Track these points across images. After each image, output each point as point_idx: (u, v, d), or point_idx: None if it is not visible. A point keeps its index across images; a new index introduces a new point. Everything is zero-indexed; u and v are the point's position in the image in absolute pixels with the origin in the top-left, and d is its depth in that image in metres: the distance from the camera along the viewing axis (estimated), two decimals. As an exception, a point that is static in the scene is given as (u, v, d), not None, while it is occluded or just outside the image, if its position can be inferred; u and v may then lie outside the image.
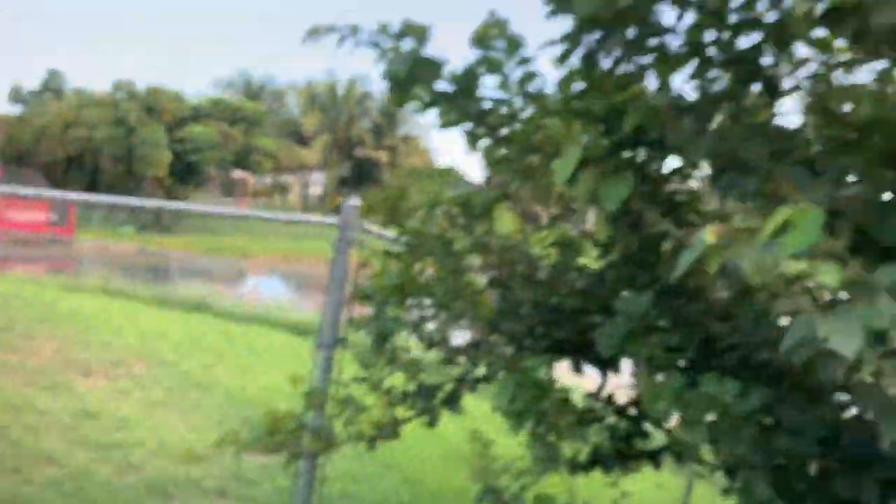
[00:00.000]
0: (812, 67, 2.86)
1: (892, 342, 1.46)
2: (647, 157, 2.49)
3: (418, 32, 2.50)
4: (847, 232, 2.07)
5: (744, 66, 2.61)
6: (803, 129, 2.57)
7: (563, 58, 2.76)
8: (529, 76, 2.85)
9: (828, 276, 1.36)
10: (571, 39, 2.52)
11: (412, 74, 2.55)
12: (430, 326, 4.06)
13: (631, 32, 2.49)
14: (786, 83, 2.75)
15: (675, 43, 2.66)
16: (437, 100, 2.74)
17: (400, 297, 3.92)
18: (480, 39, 2.73)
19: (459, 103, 2.68)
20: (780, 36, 2.50)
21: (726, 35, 2.59)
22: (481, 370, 3.91)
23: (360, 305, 4.29)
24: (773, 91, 2.67)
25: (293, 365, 5.96)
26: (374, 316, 3.98)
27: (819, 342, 1.39)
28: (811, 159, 2.28)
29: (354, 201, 4.23)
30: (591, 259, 3.71)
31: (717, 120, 2.49)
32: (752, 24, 2.58)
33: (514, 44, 2.74)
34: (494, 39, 2.72)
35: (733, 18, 2.56)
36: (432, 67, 2.56)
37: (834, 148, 2.65)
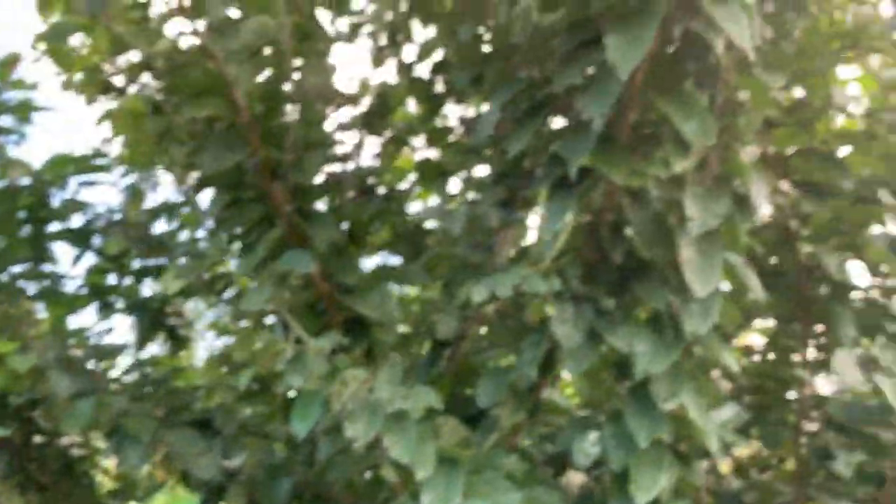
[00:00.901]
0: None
1: None
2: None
3: None
4: (241, 500, 2.01)
5: (147, 313, 2.51)
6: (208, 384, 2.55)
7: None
8: None
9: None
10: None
11: None
12: None
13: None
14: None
15: (72, 285, 2.45)
16: None
17: None
18: None
19: None
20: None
21: (129, 281, 2.49)
22: None
23: None
24: (178, 340, 2.61)
25: None
26: None
27: None
28: (208, 419, 2.20)
29: None
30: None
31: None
32: (153, 271, 2.53)
33: None
34: None
35: (136, 265, 2.49)
36: None
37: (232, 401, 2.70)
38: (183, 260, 2.00)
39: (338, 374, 1.53)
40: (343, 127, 2.13)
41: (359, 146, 2.01)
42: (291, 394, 2.57)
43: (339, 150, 1.90)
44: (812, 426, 2.03)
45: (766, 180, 1.48)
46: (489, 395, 1.76)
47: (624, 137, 1.42)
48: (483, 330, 2.12)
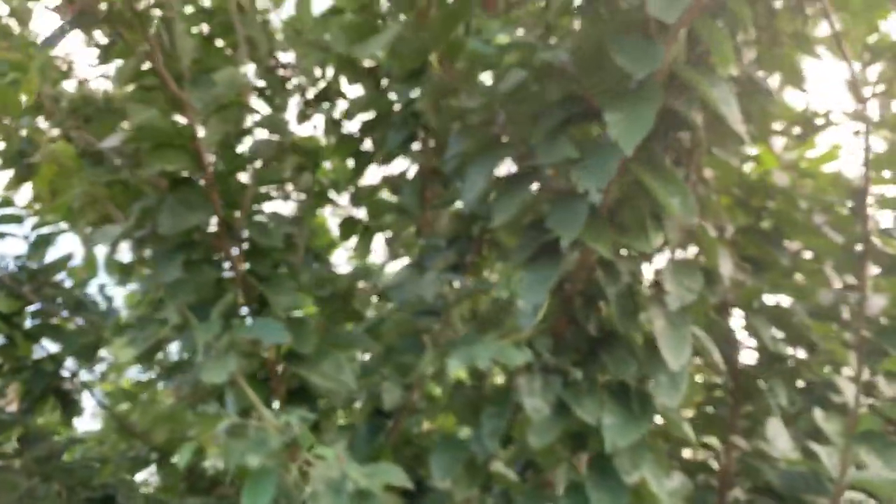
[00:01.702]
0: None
1: None
2: None
3: None
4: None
5: (40, 376, 2.27)
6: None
7: None
8: None
9: None
10: None
11: None
12: None
13: None
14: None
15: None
16: None
17: None
18: None
19: None
20: (85, 348, 2.28)
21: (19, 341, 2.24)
22: None
23: None
24: (69, 404, 2.37)
25: None
26: None
27: None
28: (110, 495, 2.00)
29: None
30: None
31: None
32: (52, 329, 2.30)
33: None
34: None
35: (29, 323, 2.25)
36: None
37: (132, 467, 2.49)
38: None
39: (297, 449, 1.42)
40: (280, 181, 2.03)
41: (311, 206, 1.92)
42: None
43: (291, 207, 1.81)
44: (739, 492, 2.08)
45: (729, 256, 1.53)
46: (444, 469, 1.68)
47: (605, 210, 1.42)
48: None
